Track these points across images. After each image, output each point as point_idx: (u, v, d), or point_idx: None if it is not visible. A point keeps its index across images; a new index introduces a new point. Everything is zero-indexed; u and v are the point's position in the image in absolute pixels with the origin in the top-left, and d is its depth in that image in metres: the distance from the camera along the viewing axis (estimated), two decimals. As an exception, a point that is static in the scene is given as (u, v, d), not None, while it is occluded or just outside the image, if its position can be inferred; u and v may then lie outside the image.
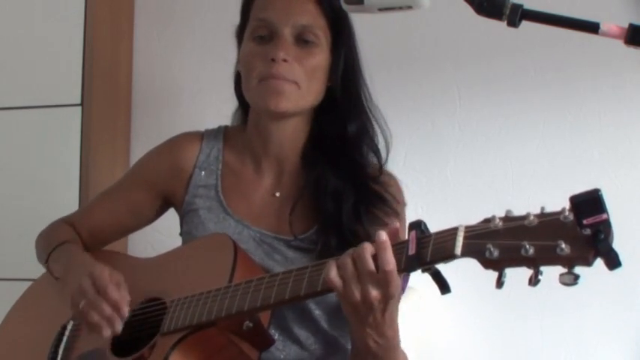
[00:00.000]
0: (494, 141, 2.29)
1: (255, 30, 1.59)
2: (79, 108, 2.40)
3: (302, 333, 1.54)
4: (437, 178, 2.31)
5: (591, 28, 1.11)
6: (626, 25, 1.09)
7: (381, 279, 1.20)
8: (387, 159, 1.63)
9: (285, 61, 1.53)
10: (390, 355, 1.32)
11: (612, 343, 2.17)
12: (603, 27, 1.10)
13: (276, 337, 1.49)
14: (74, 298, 1.47)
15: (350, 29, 1.63)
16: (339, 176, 1.57)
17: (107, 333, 1.42)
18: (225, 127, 1.73)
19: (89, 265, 1.53)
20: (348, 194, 1.54)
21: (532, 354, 2.22)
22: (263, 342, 1.41)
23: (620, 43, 1.10)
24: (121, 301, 1.42)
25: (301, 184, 1.60)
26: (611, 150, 2.21)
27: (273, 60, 1.53)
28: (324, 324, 1.54)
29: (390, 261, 1.20)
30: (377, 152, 1.62)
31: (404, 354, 1.43)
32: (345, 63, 1.61)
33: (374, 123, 1.63)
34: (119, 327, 1.42)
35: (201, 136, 1.71)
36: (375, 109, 1.64)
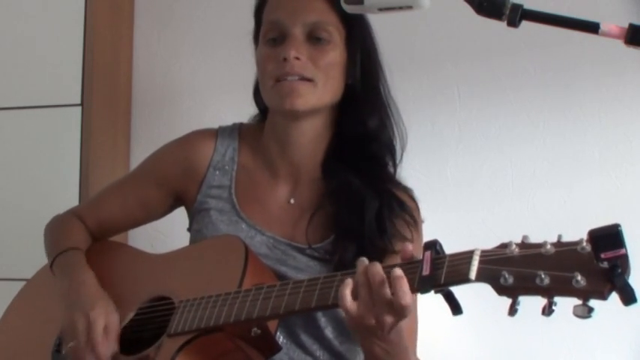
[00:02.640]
0: (494, 141, 2.29)
1: (266, 33, 1.58)
2: (79, 108, 2.40)
3: (307, 339, 1.54)
4: (437, 178, 2.31)
5: (591, 28, 1.11)
6: (626, 25, 1.09)
7: (397, 307, 1.20)
8: (401, 158, 1.62)
9: (297, 59, 1.51)
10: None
11: (612, 344, 2.17)
12: (603, 27, 1.10)
13: (280, 339, 1.48)
14: (66, 332, 1.50)
15: (364, 24, 1.61)
16: (360, 179, 1.55)
17: None
18: (240, 125, 1.72)
19: (89, 298, 1.52)
20: (370, 203, 1.53)
21: (532, 355, 2.21)
22: (270, 349, 1.40)
23: (620, 43, 1.09)
24: (105, 357, 1.44)
25: (319, 193, 1.59)
26: (611, 150, 2.21)
27: (285, 59, 1.52)
28: (328, 333, 1.54)
29: (407, 293, 1.19)
30: (392, 150, 1.61)
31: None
32: (361, 58, 1.59)
33: (392, 120, 1.62)
34: None
35: (216, 133, 1.69)
36: (394, 106, 1.63)
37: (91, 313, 1.47)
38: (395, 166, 1.61)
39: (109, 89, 2.50)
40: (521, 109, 2.28)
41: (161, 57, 2.59)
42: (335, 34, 1.56)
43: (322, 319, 1.53)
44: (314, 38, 1.55)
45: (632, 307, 2.16)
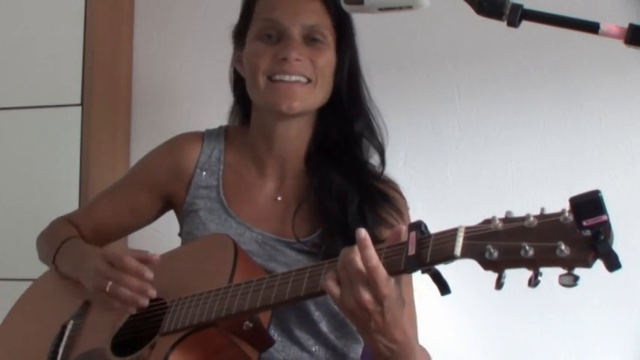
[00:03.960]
0: (494, 141, 2.29)
1: (262, 30, 1.59)
2: (79, 108, 2.40)
3: (302, 335, 1.54)
4: (437, 178, 2.31)
5: (591, 28, 1.11)
6: (626, 25, 1.09)
7: (370, 279, 1.18)
8: (384, 156, 1.63)
9: (298, 60, 1.54)
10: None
11: (612, 343, 2.17)
12: (603, 27, 1.10)
13: (275, 337, 1.49)
14: (97, 284, 1.49)
15: (352, 28, 1.64)
16: (343, 176, 1.57)
17: (144, 302, 1.44)
18: (227, 127, 1.73)
19: (99, 250, 1.55)
20: (352, 195, 1.54)
21: (532, 354, 2.21)
22: (263, 342, 1.40)
23: (620, 43, 1.10)
24: (142, 269, 1.45)
25: (304, 188, 1.60)
26: (611, 150, 2.21)
27: (284, 59, 1.53)
28: (323, 327, 1.54)
29: (373, 256, 1.18)
30: (380, 149, 1.63)
31: (424, 352, 1.42)
32: (349, 62, 1.61)
33: (373, 122, 1.64)
34: (153, 292, 1.44)
35: (202, 136, 1.71)
36: (374, 108, 1.65)
37: (104, 252, 1.50)
38: (383, 164, 1.63)
39: (109, 89, 2.50)
40: (521, 109, 2.28)
41: (161, 57, 2.59)
42: (329, 37, 1.59)
43: (316, 313, 1.53)
44: (310, 39, 1.57)
45: (632, 306, 2.17)
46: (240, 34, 1.66)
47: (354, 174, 1.58)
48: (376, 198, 1.55)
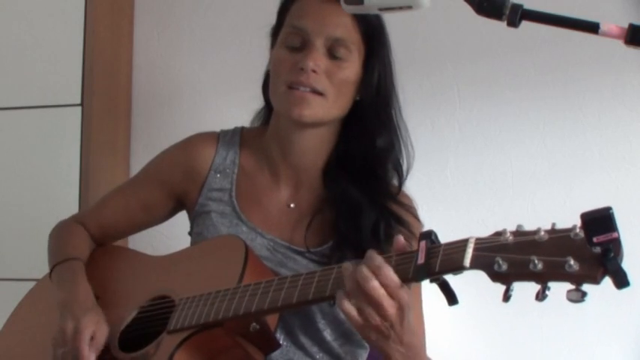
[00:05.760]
0: (494, 141, 2.29)
1: (287, 37, 1.58)
2: (79, 108, 2.40)
3: (307, 341, 1.54)
4: (437, 178, 2.31)
5: (591, 28, 1.11)
6: (626, 25, 1.09)
7: (394, 295, 1.20)
8: (406, 178, 1.62)
9: (314, 71, 1.52)
10: None
11: (612, 343, 2.17)
12: (603, 27, 1.10)
13: (281, 340, 1.49)
14: (56, 340, 1.49)
15: (384, 42, 1.62)
16: (361, 193, 1.56)
17: None
18: (242, 129, 1.72)
19: (81, 309, 1.52)
20: (368, 214, 1.53)
21: (532, 353, 2.22)
22: (269, 345, 1.41)
23: (620, 43, 1.10)
24: None
25: (319, 199, 1.59)
26: (611, 150, 2.21)
27: (302, 69, 1.52)
28: (327, 335, 1.54)
29: (394, 279, 1.20)
30: (399, 170, 1.61)
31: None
32: (378, 78, 1.59)
33: (400, 140, 1.61)
34: None
35: (217, 137, 1.70)
36: (404, 126, 1.63)
37: (81, 321, 1.47)
38: (400, 185, 1.61)
39: (109, 89, 2.50)
40: (521, 109, 2.28)
41: (161, 57, 2.59)
42: (355, 52, 1.56)
43: (321, 322, 1.53)
44: (334, 53, 1.55)
45: (632, 306, 2.17)
46: (274, 36, 1.65)
47: (373, 192, 1.56)
48: (391, 222, 1.54)
